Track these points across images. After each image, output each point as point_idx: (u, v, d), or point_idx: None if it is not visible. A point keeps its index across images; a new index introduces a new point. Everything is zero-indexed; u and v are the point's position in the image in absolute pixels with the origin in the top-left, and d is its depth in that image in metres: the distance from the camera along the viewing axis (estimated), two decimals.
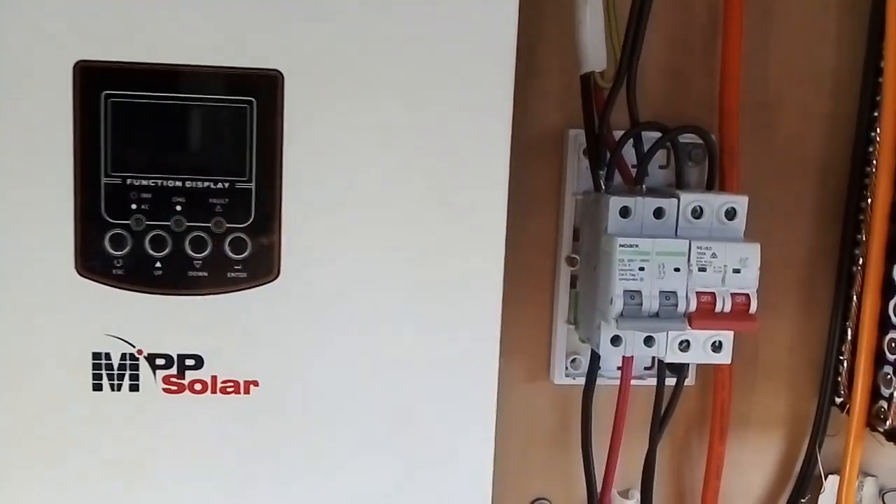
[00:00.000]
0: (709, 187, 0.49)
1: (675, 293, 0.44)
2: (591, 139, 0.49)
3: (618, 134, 0.48)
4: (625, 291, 0.44)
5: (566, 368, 0.54)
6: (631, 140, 0.48)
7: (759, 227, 0.53)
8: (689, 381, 0.54)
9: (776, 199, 0.54)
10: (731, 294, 0.44)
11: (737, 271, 0.44)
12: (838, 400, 0.54)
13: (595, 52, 0.47)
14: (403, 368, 0.41)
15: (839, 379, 0.53)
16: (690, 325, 0.44)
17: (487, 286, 0.41)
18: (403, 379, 0.41)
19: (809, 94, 0.53)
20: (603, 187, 0.48)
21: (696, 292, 0.44)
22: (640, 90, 0.51)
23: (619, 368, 0.49)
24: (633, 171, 0.48)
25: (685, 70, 0.52)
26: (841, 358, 0.53)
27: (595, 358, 0.50)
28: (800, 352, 0.56)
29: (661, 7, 0.51)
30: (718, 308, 0.44)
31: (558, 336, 0.53)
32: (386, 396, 0.41)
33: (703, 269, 0.44)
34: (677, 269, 0.44)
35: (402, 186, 0.39)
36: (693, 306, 0.44)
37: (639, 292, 0.44)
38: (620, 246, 0.44)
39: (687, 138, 0.50)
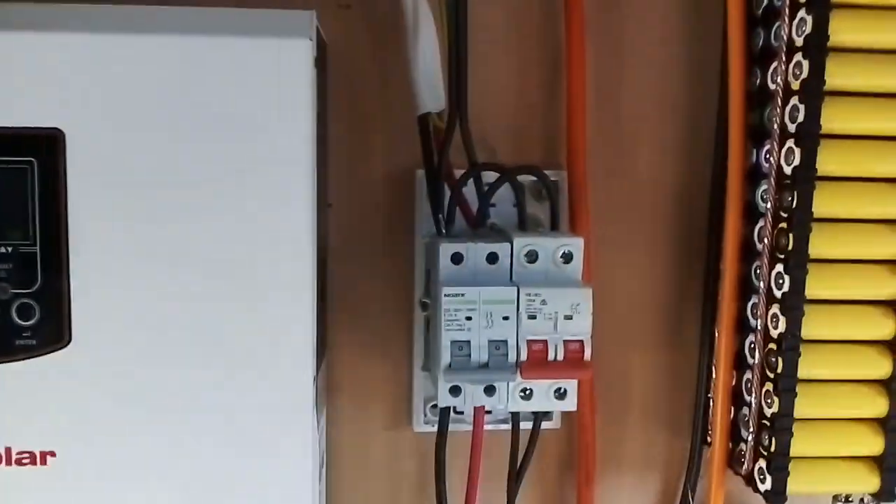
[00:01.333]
0: (553, 228, 0.47)
1: (504, 342, 0.42)
2: (432, 181, 0.47)
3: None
4: (452, 342, 0.42)
5: (425, 415, 0.52)
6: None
7: (620, 264, 0.52)
8: (554, 424, 0.53)
9: (637, 235, 0.52)
10: (564, 341, 0.43)
11: (569, 317, 0.43)
12: (710, 440, 0.52)
13: (430, 92, 0.46)
14: (205, 436, 0.39)
15: (708, 419, 0.52)
16: (521, 375, 0.42)
17: (296, 342, 0.39)
18: (206, 446, 0.39)
19: (665, 128, 0.51)
20: (444, 231, 0.47)
21: (528, 340, 0.42)
22: (486, 129, 0.50)
23: None
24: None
25: (536, 105, 0.51)
26: (709, 396, 0.51)
27: (445, 411, 0.48)
28: (670, 390, 0.54)
29: (514, 40, 0.50)
30: (551, 356, 0.42)
31: (416, 382, 0.52)
32: (188, 465, 0.39)
33: (532, 317, 0.42)
34: (506, 318, 0.42)
35: (198, 245, 0.38)
36: (524, 355, 0.42)
37: (467, 342, 0.42)
38: (446, 296, 0.42)
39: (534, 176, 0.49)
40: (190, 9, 0.37)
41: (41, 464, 0.38)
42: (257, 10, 0.38)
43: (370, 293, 0.51)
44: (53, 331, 0.37)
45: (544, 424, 0.52)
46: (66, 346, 0.37)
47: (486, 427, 0.49)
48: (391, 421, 0.53)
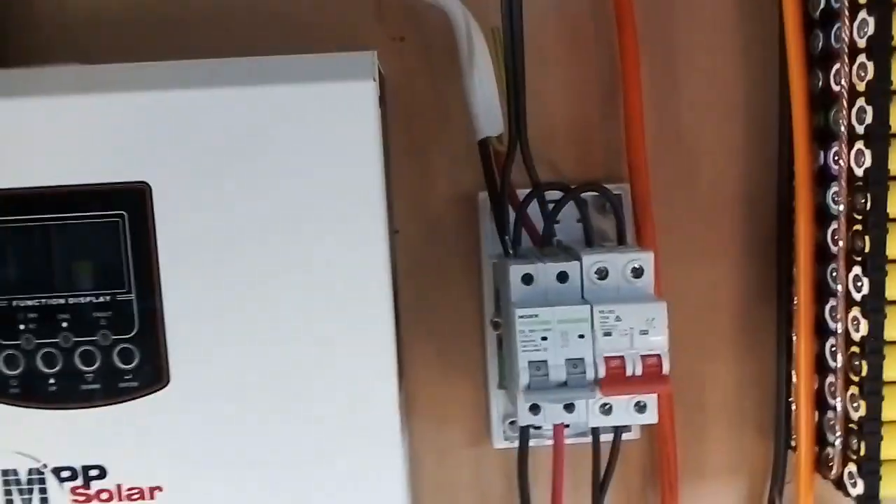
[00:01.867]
0: (619, 243, 0.48)
1: (581, 360, 0.43)
2: (496, 203, 0.48)
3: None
4: (530, 363, 0.43)
5: (504, 432, 0.53)
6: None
7: (687, 273, 0.52)
8: (634, 434, 0.53)
9: (704, 242, 0.52)
10: (641, 356, 0.43)
11: (644, 332, 0.43)
12: (794, 444, 0.51)
13: (487, 117, 0.47)
14: (302, 463, 0.40)
15: (791, 423, 0.51)
16: (601, 392, 0.43)
17: (380, 372, 0.40)
18: (303, 475, 0.40)
19: (726, 133, 0.51)
20: (511, 251, 0.48)
21: (605, 357, 0.43)
22: (547, 148, 0.50)
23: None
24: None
25: (595, 121, 0.51)
26: (790, 401, 0.51)
27: (526, 429, 0.49)
28: (749, 396, 0.53)
29: (568, 58, 0.51)
30: (629, 371, 0.43)
31: (493, 401, 0.53)
32: (287, 490, 0.41)
33: (608, 334, 0.43)
34: (581, 336, 0.43)
35: (281, 284, 0.39)
36: (602, 372, 0.43)
37: (544, 362, 0.43)
38: (520, 317, 0.43)
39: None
40: (256, 59, 0.39)
41: (149, 498, 0.40)
42: (323, 55, 0.39)
43: (441, 315, 0.52)
44: (152, 372, 0.40)
45: (624, 436, 0.52)
46: (165, 386, 0.40)
47: (567, 441, 0.50)
48: (471, 439, 0.54)
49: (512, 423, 0.53)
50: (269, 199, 0.39)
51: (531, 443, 0.51)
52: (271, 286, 0.39)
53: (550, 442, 0.48)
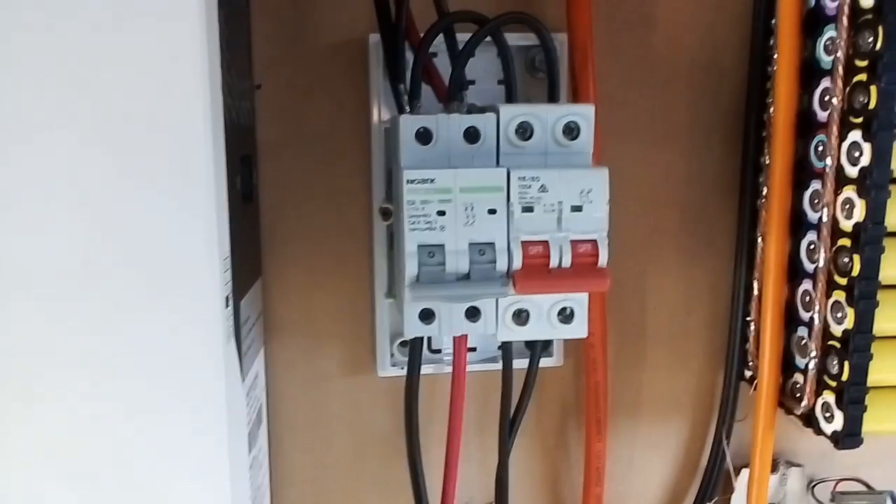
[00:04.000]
0: (551, 99, 0.36)
1: (491, 245, 0.31)
2: (390, 43, 0.36)
3: None
4: (420, 247, 0.31)
5: (392, 355, 0.41)
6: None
7: (633, 155, 0.41)
8: (556, 361, 0.42)
9: (657, 115, 0.41)
10: (572, 242, 0.32)
11: (577, 209, 0.31)
12: (748, 373, 0.42)
13: None
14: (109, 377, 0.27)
15: (747, 346, 0.41)
16: (515, 289, 0.31)
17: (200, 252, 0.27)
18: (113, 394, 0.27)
19: None
20: (407, 107, 0.35)
21: (523, 242, 0.31)
22: None
23: None
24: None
25: None
26: (748, 319, 0.41)
27: (417, 343, 0.38)
28: (699, 313, 0.43)
29: None
30: (554, 262, 0.31)
31: (379, 313, 0.41)
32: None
33: (529, 209, 0.31)
34: (493, 212, 0.31)
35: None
36: (518, 262, 0.31)
37: (440, 247, 0.31)
38: (409, 182, 0.31)
39: (527, 40, 0.37)
40: None
41: None
42: None
43: (315, 202, 0.40)
44: None
45: (544, 362, 0.41)
46: None
47: (472, 368, 0.39)
48: (350, 365, 0.42)
49: (402, 344, 0.41)
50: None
51: (427, 370, 0.40)
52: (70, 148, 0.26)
53: (450, 369, 0.37)
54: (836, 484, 0.45)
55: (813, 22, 0.35)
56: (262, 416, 0.39)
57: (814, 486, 0.46)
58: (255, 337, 0.38)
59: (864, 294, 0.33)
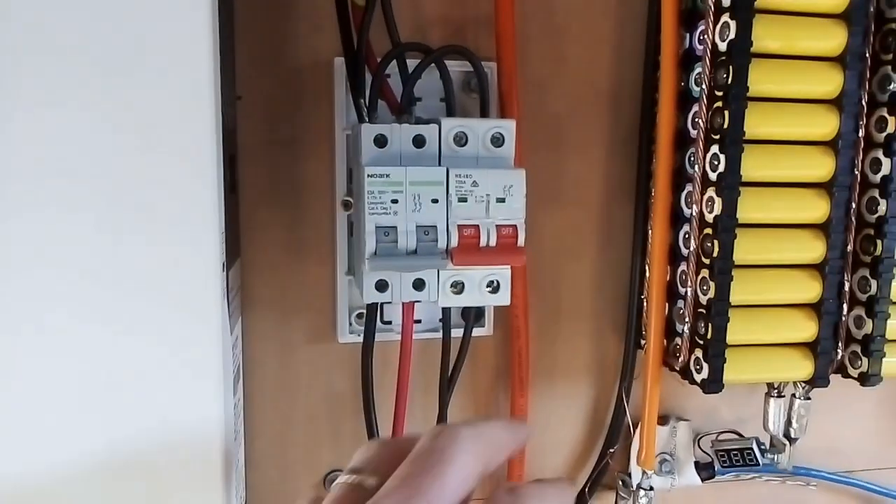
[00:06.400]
0: (483, 115, 0.45)
1: (434, 227, 0.40)
2: (351, 65, 0.44)
3: None
4: (377, 227, 0.39)
5: (350, 325, 0.49)
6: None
7: (553, 163, 0.50)
8: (487, 330, 0.51)
9: (570, 131, 0.50)
10: (497, 226, 0.40)
11: (501, 200, 0.40)
12: (643, 342, 0.51)
13: None
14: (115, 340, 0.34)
15: (643, 320, 0.51)
16: (452, 262, 0.40)
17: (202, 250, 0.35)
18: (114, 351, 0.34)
19: (596, 20, 0.49)
20: (366, 118, 0.44)
21: (458, 225, 0.40)
22: (413, 11, 0.47)
23: None
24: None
25: None
26: (643, 297, 0.50)
27: (372, 309, 0.46)
28: (604, 293, 0.53)
29: None
30: (483, 242, 0.40)
31: (340, 289, 0.48)
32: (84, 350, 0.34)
33: (463, 200, 0.40)
34: (435, 201, 0.40)
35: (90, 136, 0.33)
36: (455, 241, 0.40)
37: (394, 228, 0.39)
38: (369, 176, 0.39)
39: (464, 67, 0.46)
40: None
41: None
42: None
43: (287, 194, 0.48)
44: None
45: (477, 331, 0.50)
46: None
47: (417, 336, 0.47)
48: (314, 333, 0.49)
49: (359, 316, 0.49)
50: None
51: (380, 337, 0.47)
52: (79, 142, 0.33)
53: (399, 337, 0.45)
54: (718, 435, 0.55)
55: (687, 60, 0.45)
56: (240, 374, 0.46)
57: (699, 438, 0.55)
58: (237, 306, 0.45)
59: (721, 270, 0.42)
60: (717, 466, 0.53)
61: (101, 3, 0.32)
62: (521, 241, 0.40)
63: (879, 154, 0.44)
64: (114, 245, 0.33)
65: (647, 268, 0.49)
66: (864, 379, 0.46)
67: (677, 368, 0.47)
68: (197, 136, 0.34)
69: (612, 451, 0.52)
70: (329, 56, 0.46)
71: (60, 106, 0.32)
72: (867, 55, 0.43)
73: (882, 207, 0.44)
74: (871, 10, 0.43)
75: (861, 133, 0.44)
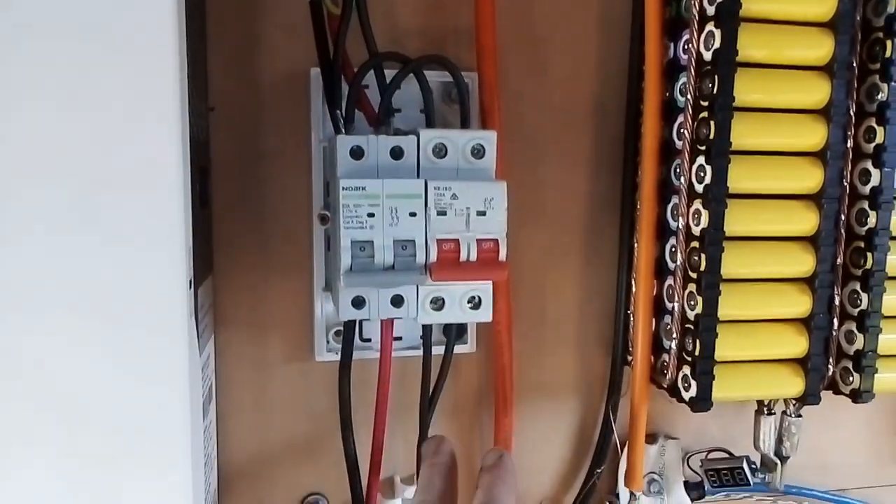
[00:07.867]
0: (463, 126, 0.43)
1: (412, 242, 0.38)
2: (328, 76, 0.42)
3: None
4: (353, 242, 0.38)
5: (328, 342, 0.47)
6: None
7: (538, 177, 0.49)
8: (469, 347, 0.49)
9: (553, 143, 0.49)
10: (477, 240, 0.39)
11: (482, 214, 0.39)
12: (630, 358, 0.50)
13: None
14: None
15: (629, 335, 0.49)
16: (431, 277, 0.38)
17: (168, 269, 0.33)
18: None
19: (579, 32, 0.48)
20: (343, 129, 0.42)
21: (437, 239, 0.38)
22: (390, 20, 0.46)
23: None
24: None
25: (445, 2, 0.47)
26: (629, 312, 0.49)
27: (350, 327, 0.44)
28: (590, 308, 0.51)
29: None
30: (463, 256, 0.39)
31: (317, 306, 0.47)
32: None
33: (442, 213, 0.38)
34: (413, 214, 0.38)
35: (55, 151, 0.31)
36: (433, 256, 0.38)
37: (370, 242, 0.38)
38: (344, 189, 0.37)
39: (445, 76, 0.45)
40: None
41: None
42: None
43: (262, 208, 0.46)
44: None
45: (458, 348, 0.48)
46: None
47: (397, 353, 0.46)
48: (291, 351, 0.48)
49: (337, 333, 0.47)
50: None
51: (359, 355, 0.46)
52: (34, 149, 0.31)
53: (377, 355, 0.44)
54: (707, 454, 0.53)
55: (671, 70, 0.44)
56: (212, 394, 0.45)
57: (689, 457, 0.54)
58: (208, 324, 0.44)
59: (708, 285, 0.41)
60: (707, 486, 0.51)
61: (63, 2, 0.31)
62: (502, 255, 0.39)
63: (868, 165, 0.43)
64: (71, 257, 0.32)
65: (633, 282, 0.48)
66: (856, 395, 0.45)
67: (665, 386, 0.46)
68: (161, 146, 0.32)
69: (599, 471, 0.51)
70: (305, 66, 0.45)
71: (14, 109, 0.31)
72: (854, 64, 0.42)
73: (872, 219, 0.43)
74: (858, 18, 0.42)
75: (849, 143, 0.43)
